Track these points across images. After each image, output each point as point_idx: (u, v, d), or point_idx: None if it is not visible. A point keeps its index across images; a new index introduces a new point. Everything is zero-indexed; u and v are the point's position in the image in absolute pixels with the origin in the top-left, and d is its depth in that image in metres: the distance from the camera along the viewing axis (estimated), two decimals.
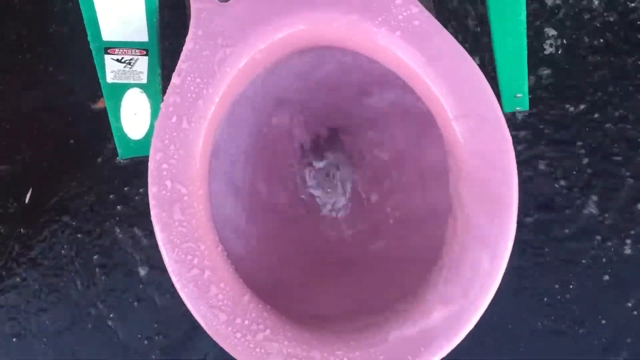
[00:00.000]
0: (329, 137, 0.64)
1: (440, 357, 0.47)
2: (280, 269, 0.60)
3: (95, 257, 0.80)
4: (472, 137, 0.47)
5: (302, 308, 0.53)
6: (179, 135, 0.49)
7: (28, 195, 0.82)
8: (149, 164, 0.49)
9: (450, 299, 0.46)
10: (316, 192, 0.64)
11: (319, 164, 0.64)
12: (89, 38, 0.57)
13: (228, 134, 0.58)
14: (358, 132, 0.64)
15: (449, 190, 0.50)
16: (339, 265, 0.61)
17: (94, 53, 0.58)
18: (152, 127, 0.63)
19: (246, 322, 0.47)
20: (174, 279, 0.47)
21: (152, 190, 0.48)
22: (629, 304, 0.76)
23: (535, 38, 0.78)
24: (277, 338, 0.46)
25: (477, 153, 0.47)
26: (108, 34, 0.58)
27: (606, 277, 0.76)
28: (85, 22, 0.56)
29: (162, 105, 0.49)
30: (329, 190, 0.64)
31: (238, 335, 0.46)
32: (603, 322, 0.76)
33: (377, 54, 0.51)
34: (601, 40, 0.78)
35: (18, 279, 0.81)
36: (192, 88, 0.50)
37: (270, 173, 0.63)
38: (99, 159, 0.80)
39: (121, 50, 0.58)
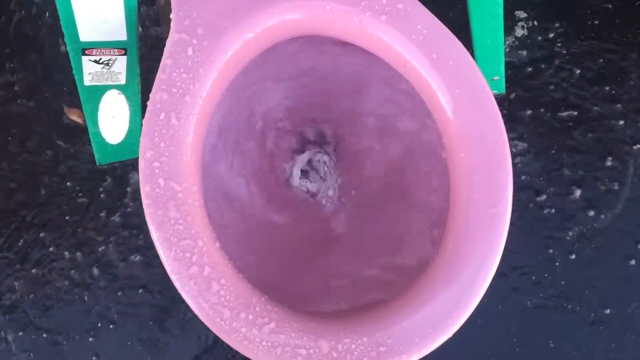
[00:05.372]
0: (318, 128, 0.64)
1: (447, 338, 0.47)
2: (273, 267, 0.60)
3: None
4: (461, 111, 0.48)
5: (303, 307, 0.53)
6: (168, 132, 0.48)
7: None
8: (140, 163, 0.48)
9: (454, 275, 0.46)
10: (304, 183, 0.63)
11: (307, 155, 0.64)
12: (66, 39, 0.56)
13: (218, 125, 0.58)
14: (347, 124, 0.63)
15: (440, 169, 0.50)
16: (332, 257, 0.61)
17: (71, 55, 0.57)
18: (130, 130, 0.62)
19: (250, 316, 0.46)
20: (173, 277, 0.47)
21: (144, 189, 0.47)
22: (614, 276, 0.77)
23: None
24: (283, 330, 0.46)
25: (468, 127, 0.48)
26: (85, 34, 0.56)
27: (590, 252, 0.78)
28: (62, 22, 0.55)
29: (149, 102, 0.48)
30: (317, 180, 0.63)
31: (243, 330, 0.46)
32: (590, 296, 0.77)
33: (362, 40, 0.51)
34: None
35: None
36: (178, 84, 0.49)
37: (259, 165, 0.63)
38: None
39: (99, 50, 0.57)
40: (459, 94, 0.48)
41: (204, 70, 0.49)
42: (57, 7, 0.54)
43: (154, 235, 0.47)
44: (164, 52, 0.49)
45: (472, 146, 0.48)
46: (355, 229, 0.61)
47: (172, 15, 0.50)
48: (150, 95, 0.49)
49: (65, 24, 0.55)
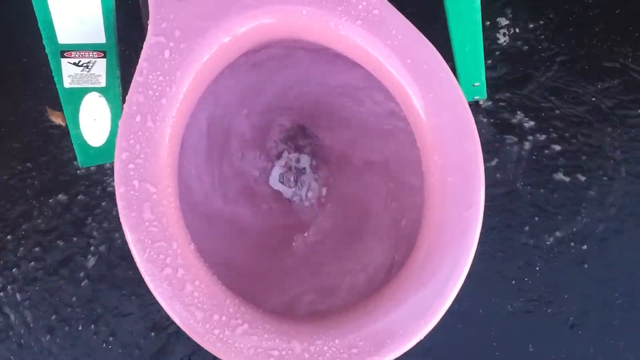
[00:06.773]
0: (297, 132, 0.64)
1: (418, 340, 0.47)
2: (246, 264, 0.60)
3: None
4: (435, 115, 0.48)
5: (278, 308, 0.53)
6: (144, 134, 0.48)
7: None
8: (115, 164, 0.48)
9: (426, 277, 0.46)
10: (282, 186, 0.64)
11: (287, 158, 0.64)
12: (44, 41, 0.56)
13: (195, 127, 0.58)
14: (326, 128, 0.64)
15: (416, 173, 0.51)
16: (308, 261, 0.62)
17: (49, 57, 0.57)
18: (112, 133, 0.62)
19: (224, 318, 0.46)
20: (146, 279, 0.47)
21: (119, 190, 0.48)
22: (593, 281, 0.78)
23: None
24: (256, 331, 0.46)
25: (442, 130, 0.48)
26: (64, 36, 0.56)
27: (570, 257, 0.78)
28: (39, 24, 0.55)
29: (125, 104, 0.49)
30: (295, 183, 0.64)
31: (216, 331, 0.46)
32: (569, 301, 0.78)
33: (339, 45, 0.51)
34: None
35: None
36: (154, 86, 0.49)
37: (238, 168, 0.63)
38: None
39: (78, 53, 0.57)
40: (432, 98, 0.49)
41: (180, 73, 0.49)
42: (35, 8, 0.55)
43: (128, 236, 0.47)
44: (141, 55, 0.49)
45: (446, 149, 0.48)
46: (330, 229, 0.61)
47: (149, 19, 0.50)
48: (127, 97, 0.49)
49: (43, 26, 0.55)
